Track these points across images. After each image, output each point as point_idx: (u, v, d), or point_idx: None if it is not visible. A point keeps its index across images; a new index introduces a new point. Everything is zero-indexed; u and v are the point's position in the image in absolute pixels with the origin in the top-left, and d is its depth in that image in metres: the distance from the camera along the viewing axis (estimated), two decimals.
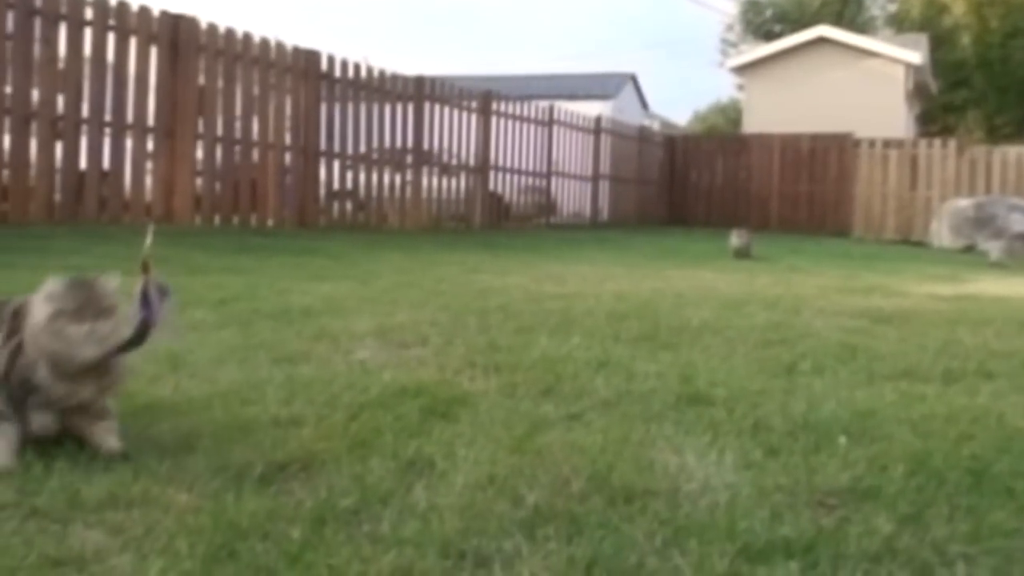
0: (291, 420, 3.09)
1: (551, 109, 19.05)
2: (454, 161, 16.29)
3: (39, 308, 2.47)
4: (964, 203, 17.77)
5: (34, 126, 9.89)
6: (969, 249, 16.23)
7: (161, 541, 2.12)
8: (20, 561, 1.99)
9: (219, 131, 11.82)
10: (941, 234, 17.62)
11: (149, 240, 2.30)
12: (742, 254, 12.27)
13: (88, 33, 10.39)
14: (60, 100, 10.19)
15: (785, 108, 25.11)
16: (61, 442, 2.74)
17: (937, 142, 20.76)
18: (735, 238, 12.58)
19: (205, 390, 3.43)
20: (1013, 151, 19.94)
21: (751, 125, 26.63)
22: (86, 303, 2.47)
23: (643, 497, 2.46)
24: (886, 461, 2.83)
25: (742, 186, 22.36)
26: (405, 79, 15.17)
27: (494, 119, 17.16)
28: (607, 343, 4.68)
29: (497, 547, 2.07)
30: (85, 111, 10.40)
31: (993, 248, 14.60)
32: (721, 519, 2.31)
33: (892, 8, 50.57)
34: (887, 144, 20.82)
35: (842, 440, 3.04)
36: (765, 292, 7.53)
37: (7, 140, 9.68)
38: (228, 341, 4.40)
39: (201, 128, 11.59)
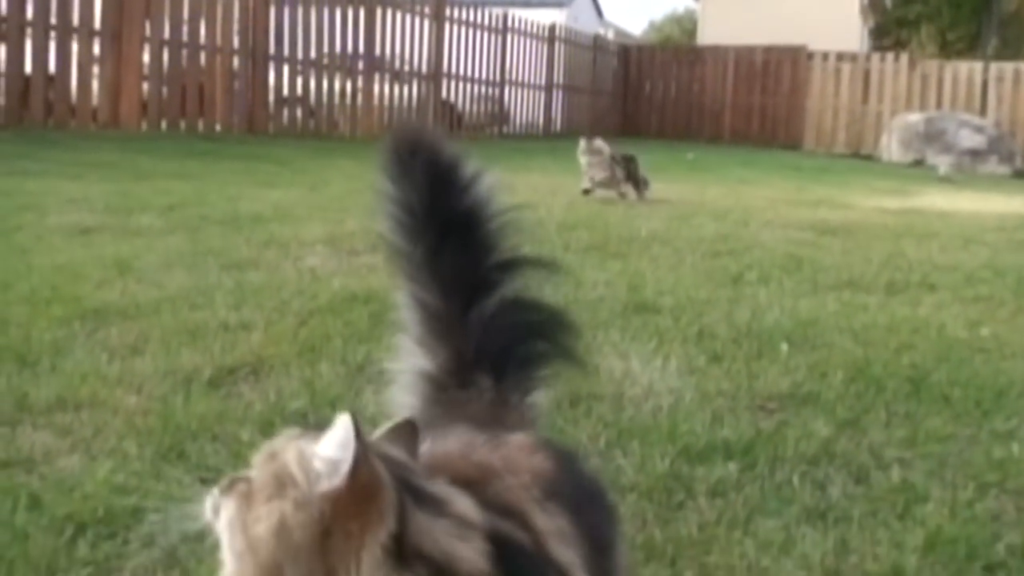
0: (240, 325, 3.10)
1: (505, 16, 18.80)
2: (406, 68, 16.09)
3: None
4: (914, 118, 17.87)
5: None
6: (918, 164, 16.37)
7: (110, 442, 2.14)
8: None
9: (166, 34, 11.57)
10: (891, 148, 17.74)
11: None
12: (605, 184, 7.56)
13: None
14: (3, 2, 9.91)
15: (740, 20, 24.97)
16: (10, 347, 2.74)
17: (890, 56, 20.77)
18: (585, 158, 7.60)
19: (153, 295, 3.42)
20: (965, 67, 20.01)
21: (706, 37, 26.47)
22: None
23: (588, 401, 2.50)
24: (826, 368, 2.90)
25: (695, 98, 22.26)
26: None
27: (447, 25, 16.93)
28: (557, 252, 4.70)
29: None
30: (30, 13, 10.11)
31: (941, 163, 14.74)
32: (663, 422, 2.37)
33: None
34: (840, 58, 20.79)
35: (784, 347, 3.10)
36: (715, 204, 7.58)
37: None
38: (176, 247, 4.38)
39: (148, 31, 11.35)
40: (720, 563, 1.76)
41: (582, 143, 7.62)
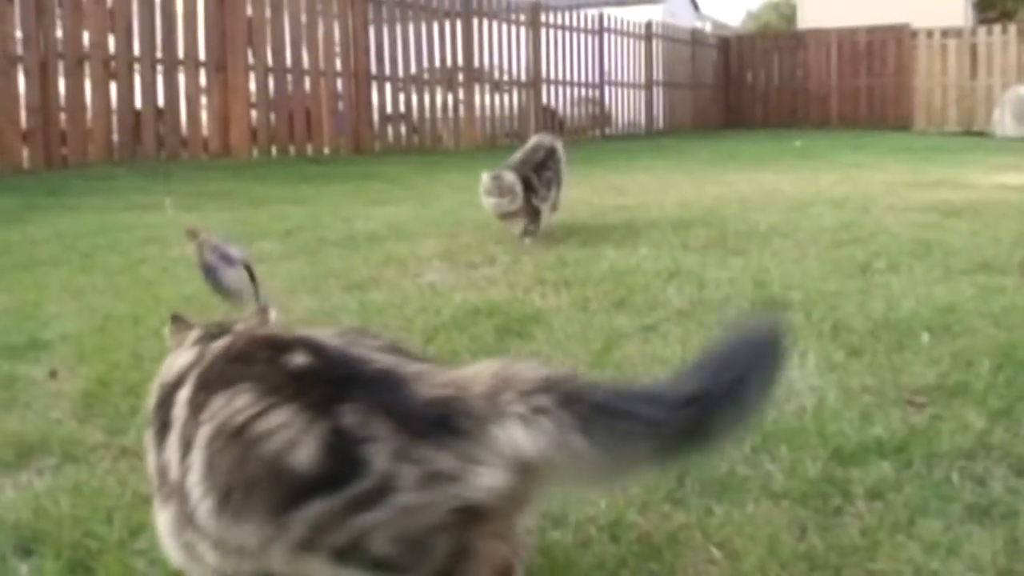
0: None
1: (601, 17, 18.75)
2: (505, 77, 16.13)
3: None
4: None
5: (87, 68, 9.92)
6: None
7: None
8: (116, 500, 2.02)
9: (269, 61, 11.79)
10: (1004, 122, 17.19)
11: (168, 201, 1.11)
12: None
13: None
14: (111, 40, 10.20)
15: (839, 1, 24.53)
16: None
17: (996, 28, 20.17)
18: (491, 200, 5.11)
19: (280, 320, 3.45)
20: None
21: (806, 21, 26.08)
22: None
23: None
24: (971, 356, 2.78)
25: (800, 84, 21.96)
26: None
27: (544, 31, 16.94)
28: (675, 252, 4.64)
29: None
30: (136, 49, 10.40)
31: None
32: (810, 423, 2.29)
33: None
34: (945, 33, 20.27)
35: (925, 337, 2.99)
36: (831, 191, 7.41)
37: (62, 84, 9.71)
38: (297, 271, 4.42)
39: (251, 59, 11.56)
40: (887, 569, 1.68)
41: (485, 179, 5.10)
